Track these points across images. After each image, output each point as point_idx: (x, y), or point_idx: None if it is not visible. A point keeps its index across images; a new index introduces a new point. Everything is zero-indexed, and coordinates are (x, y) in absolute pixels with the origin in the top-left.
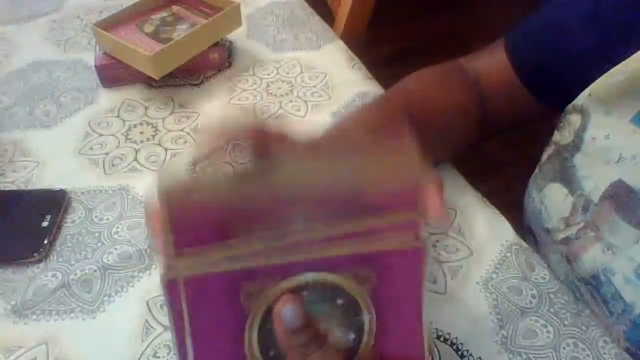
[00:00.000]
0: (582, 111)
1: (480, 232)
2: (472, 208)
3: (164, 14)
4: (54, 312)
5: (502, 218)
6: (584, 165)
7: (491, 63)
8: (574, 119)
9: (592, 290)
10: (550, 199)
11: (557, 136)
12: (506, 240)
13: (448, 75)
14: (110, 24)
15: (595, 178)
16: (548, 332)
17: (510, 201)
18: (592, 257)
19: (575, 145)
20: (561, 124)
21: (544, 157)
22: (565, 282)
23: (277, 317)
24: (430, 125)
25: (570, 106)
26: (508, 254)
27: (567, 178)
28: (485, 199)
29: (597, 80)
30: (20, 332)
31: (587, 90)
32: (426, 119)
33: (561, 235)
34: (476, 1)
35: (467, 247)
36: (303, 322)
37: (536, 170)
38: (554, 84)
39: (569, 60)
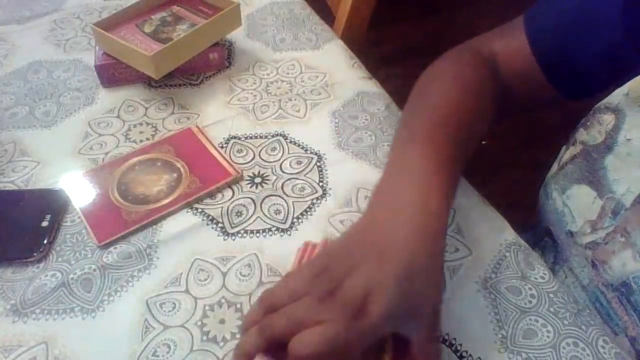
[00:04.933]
0: (617, 111)
1: (479, 232)
2: (472, 208)
3: (163, 14)
4: (53, 312)
5: (501, 218)
6: (616, 168)
7: (511, 45)
8: (607, 119)
9: (620, 298)
10: (576, 201)
11: (583, 135)
12: (505, 240)
13: (470, 68)
14: (110, 24)
15: (628, 181)
16: (548, 331)
17: (510, 201)
18: (621, 263)
19: (607, 146)
20: (589, 123)
21: (566, 156)
22: (590, 287)
23: None
24: (469, 129)
25: (602, 105)
26: (507, 254)
27: (595, 180)
28: (484, 199)
29: (635, 80)
30: (19, 332)
31: (624, 89)
32: (466, 124)
33: (587, 239)
34: (476, 1)
35: (466, 246)
36: None
37: (555, 170)
38: (575, 76)
39: (594, 54)
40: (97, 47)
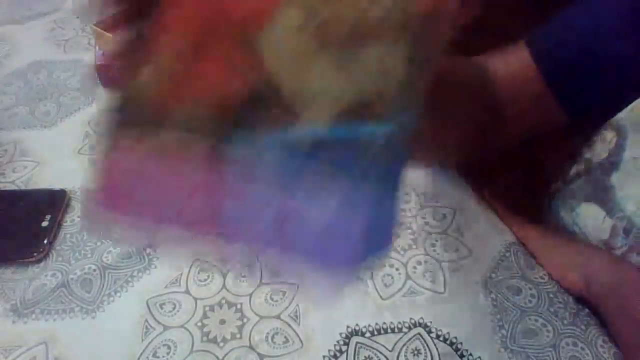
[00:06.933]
0: (618, 128)
1: (479, 232)
2: (472, 208)
3: None
4: (53, 312)
5: None
6: (623, 185)
7: (512, 61)
8: (609, 136)
9: None
10: (586, 221)
11: (587, 153)
12: (505, 240)
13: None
14: (110, 24)
15: (638, 199)
16: (548, 331)
17: (509, 201)
18: None
19: (613, 164)
20: (591, 140)
21: (571, 172)
22: None
23: None
24: None
25: None
26: (507, 254)
27: (604, 199)
28: (484, 199)
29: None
30: (19, 332)
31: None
32: None
33: None
34: None
35: (466, 246)
36: None
37: (559, 185)
38: (584, 92)
39: (602, 66)
40: (97, 47)
